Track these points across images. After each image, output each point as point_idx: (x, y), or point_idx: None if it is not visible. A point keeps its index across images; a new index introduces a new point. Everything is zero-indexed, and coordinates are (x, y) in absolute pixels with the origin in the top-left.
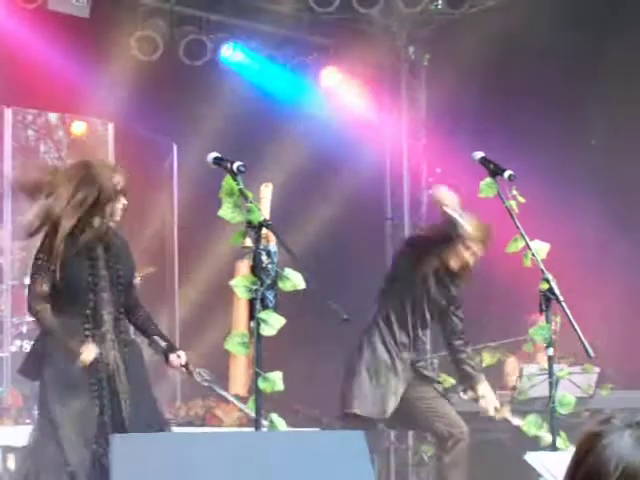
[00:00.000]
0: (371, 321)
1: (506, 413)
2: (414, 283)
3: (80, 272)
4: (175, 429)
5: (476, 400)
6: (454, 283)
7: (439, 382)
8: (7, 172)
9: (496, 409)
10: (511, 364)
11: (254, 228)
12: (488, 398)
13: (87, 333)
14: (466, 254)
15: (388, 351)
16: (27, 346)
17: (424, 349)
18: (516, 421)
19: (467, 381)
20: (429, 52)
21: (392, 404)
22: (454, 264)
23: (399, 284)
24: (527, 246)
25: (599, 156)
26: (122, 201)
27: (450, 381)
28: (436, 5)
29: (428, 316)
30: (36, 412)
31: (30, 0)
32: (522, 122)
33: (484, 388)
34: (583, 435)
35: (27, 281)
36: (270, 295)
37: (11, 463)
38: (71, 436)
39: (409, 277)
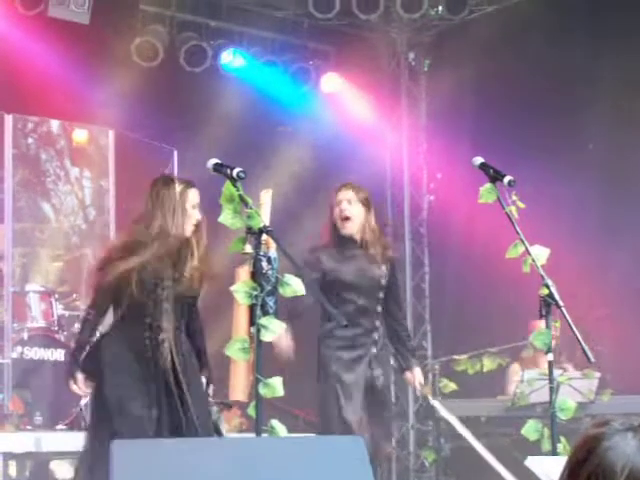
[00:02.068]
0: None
1: (428, 392)
2: None
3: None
4: None
5: (403, 372)
6: None
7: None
8: (7, 179)
9: (420, 384)
10: (514, 370)
11: (254, 234)
12: (415, 372)
13: (147, 342)
14: None
15: None
16: (28, 353)
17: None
18: (436, 403)
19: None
20: (429, 58)
21: None
22: None
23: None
24: (527, 251)
25: (596, 160)
26: (195, 216)
27: (451, 386)
28: (436, 11)
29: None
30: (38, 418)
31: (30, 7)
32: (522, 128)
33: (414, 363)
34: (582, 437)
35: (28, 287)
36: (270, 301)
37: (12, 470)
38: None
39: None
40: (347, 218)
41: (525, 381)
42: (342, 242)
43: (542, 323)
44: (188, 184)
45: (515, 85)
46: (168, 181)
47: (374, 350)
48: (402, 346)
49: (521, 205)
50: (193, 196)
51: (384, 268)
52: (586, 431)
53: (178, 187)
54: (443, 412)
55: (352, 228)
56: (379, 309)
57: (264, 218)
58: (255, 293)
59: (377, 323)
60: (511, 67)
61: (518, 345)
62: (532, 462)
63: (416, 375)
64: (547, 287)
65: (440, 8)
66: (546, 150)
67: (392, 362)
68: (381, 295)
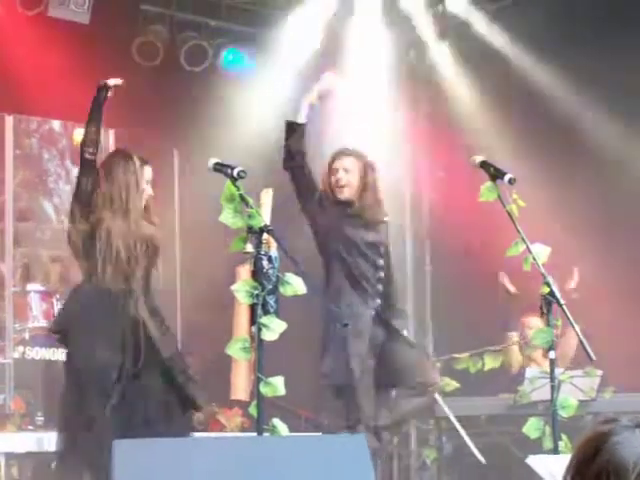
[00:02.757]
0: None
1: None
2: None
3: None
4: None
5: None
6: None
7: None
8: (8, 180)
9: None
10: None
11: (255, 233)
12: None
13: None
14: None
15: None
16: (29, 353)
17: None
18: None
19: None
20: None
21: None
22: None
23: None
24: (528, 250)
25: (599, 160)
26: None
27: (453, 384)
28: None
29: None
30: (40, 418)
31: (30, 7)
32: (524, 126)
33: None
34: (588, 434)
35: (29, 287)
36: (271, 300)
37: (14, 470)
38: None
39: None
40: (342, 186)
41: (527, 379)
42: (338, 204)
43: (532, 319)
44: (144, 161)
45: (517, 82)
46: (127, 156)
47: (379, 301)
48: (394, 299)
49: (521, 203)
50: (148, 173)
51: (382, 227)
52: (592, 429)
53: (137, 162)
54: (443, 406)
55: (348, 194)
56: (381, 262)
57: (265, 217)
58: (256, 292)
59: (381, 274)
60: (512, 65)
61: (520, 342)
62: (533, 460)
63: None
64: (548, 285)
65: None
66: (549, 149)
67: None
68: (382, 249)
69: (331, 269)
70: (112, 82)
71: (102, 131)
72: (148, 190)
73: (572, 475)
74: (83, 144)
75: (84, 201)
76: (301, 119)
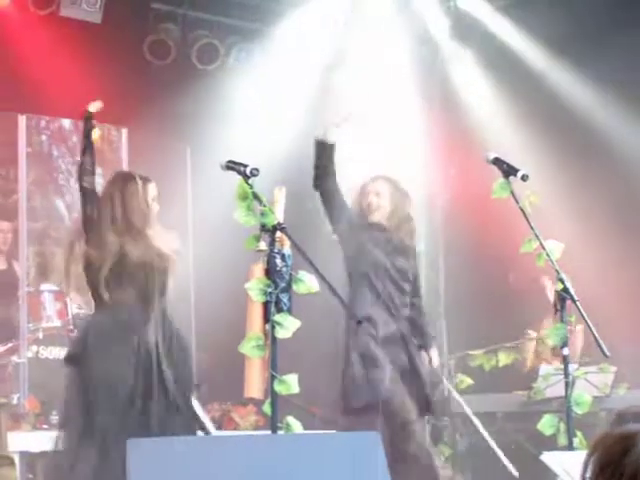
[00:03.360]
0: None
1: None
2: None
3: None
4: None
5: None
6: None
7: None
8: (22, 178)
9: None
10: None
11: (268, 231)
12: (432, 353)
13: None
14: None
15: None
16: (43, 352)
17: None
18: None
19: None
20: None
21: None
22: None
23: None
24: (541, 246)
25: (616, 160)
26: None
27: (467, 382)
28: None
29: None
30: (54, 417)
31: (42, 6)
32: (539, 123)
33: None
34: (614, 435)
35: (42, 287)
36: (285, 298)
37: (29, 469)
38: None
39: None
40: (374, 209)
41: (541, 376)
42: (370, 227)
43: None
44: (147, 179)
45: (528, 78)
46: (128, 177)
47: (406, 324)
48: (421, 327)
49: (535, 200)
50: (152, 190)
51: (410, 254)
52: (613, 429)
53: (139, 182)
54: (462, 404)
55: (379, 216)
56: (408, 288)
57: (278, 215)
58: (269, 290)
59: (407, 300)
60: (521, 59)
61: (533, 339)
62: (548, 457)
63: (433, 355)
64: (562, 282)
65: None
66: (560, 146)
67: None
68: (410, 276)
69: (358, 291)
70: (93, 108)
71: (95, 160)
72: (154, 207)
73: (596, 474)
74: (80, 175)
75: (91, 228)
76: (332, 138)
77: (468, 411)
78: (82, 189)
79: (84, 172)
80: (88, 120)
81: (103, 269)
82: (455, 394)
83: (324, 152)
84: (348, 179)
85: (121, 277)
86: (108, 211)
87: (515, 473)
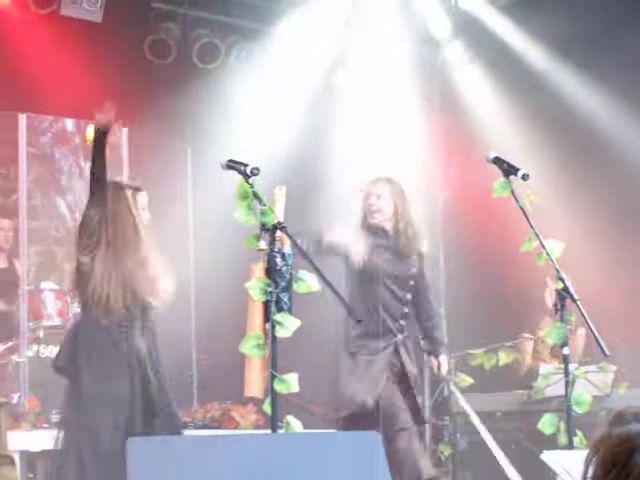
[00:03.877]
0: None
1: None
2: None
3: None
4: (192, 432)
5: (429, 355)
6: None
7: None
8: (22, 177)
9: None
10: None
11: (268, 231)
12: (441, 359)
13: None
14: None
15: None
16: (44, 351)
17: None
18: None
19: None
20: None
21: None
22: None
23: None
24: (541, 245)
25: (617, 161)
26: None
27: (468, 380)
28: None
29: None
30: (54, 416)
31: (43, 5)
32: (539, 123)
33: (444, 356)
34: (614, 437)
35: (43, 286)
36: (285, 297)
37: (29, 468)
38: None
39: None
40: (374, 211)
41: (541, 375)
42: (372, 231)
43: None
44: (137, 188)
45: (529, 77)
46: (117, 187)
47: (400, 337)
48: (431, 332)
49: (535, 199)
50: (142, 200)
51: (414, 258)
52: (609, 430)
53: (128, 191)
54: (462, 402)
55: (381, 218)
56: (408, 297)
57: (278, 215)
58: (270, 289)
59: (405, 310)
60: (522, 58)
61: (534, 339)
62: (548, 456)
63: (442, 362)
64: (562, 281)
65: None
66: (560, 144)
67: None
68: (411, 283)
69: (354, 296)
70: (103, 120)
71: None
72: (144, 216)
73: (600, 475)
74: (92, 185)
75: (83, 235)
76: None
77: (469, 410)
78: (91, 195)
79: (96, 181)
80: (98, 130)
81: (91, 281)
82: (455, 391)
83: (319, 246)
84: (351, 180)
85: (97, 288)
86: (93, 220)
87: (514, 477)
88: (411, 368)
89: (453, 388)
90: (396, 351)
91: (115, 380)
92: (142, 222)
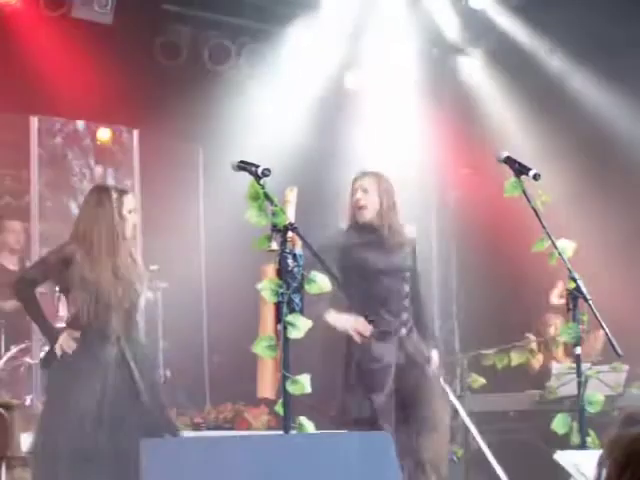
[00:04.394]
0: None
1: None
2: None
3: None
4: (205, 433)
5: None
6: None
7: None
8: (33, 180)
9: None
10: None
11: (279, 231)
12: (433, 361)
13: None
14: None
15: None
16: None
17: None
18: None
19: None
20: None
21: None
22: None
23: None
24: (553, 245)
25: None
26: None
27: (480, 381)
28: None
29: None
30: None
31: (53, 8)
32: (551, 124)
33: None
34: (628, 438)
35: (57, 288)
36: (296, 298)
37: None
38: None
39: None
40: (361, 207)
41: (554, 375)
42: (360, 228)
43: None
44: (123, 191)
45: (542, 80)
46: (102, 190)
47: (403, 331)
48: (423, 325)
49: (546, 199)
50: (128, 202)
51: (406, 250)
52: (621, 430)
53: (113, 194)
54: (460, 411)
55: (367, 215)
56: (407, 289)
57: (289, 215)
58: (281, 290)
59: (406, 303)
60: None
61: (545, 339)
62: (561, 456)
63: (432, 356)
64: (574, 280)
65: None
66: (574, 146)
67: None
68: (407, 275)
69: (350, 295)
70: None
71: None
72: (131, 219)
73: (615, 475)
74: None
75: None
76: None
77: (460, 410)
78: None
79: None
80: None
81: (70, 282)
82: (454, 398)
83: None
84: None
85: (81, 294)
86: (78, 225)
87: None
88: (419, 360)
89: (454, 400)
90: (401, 346)
91: (85, 384)
92: (128, 225)
